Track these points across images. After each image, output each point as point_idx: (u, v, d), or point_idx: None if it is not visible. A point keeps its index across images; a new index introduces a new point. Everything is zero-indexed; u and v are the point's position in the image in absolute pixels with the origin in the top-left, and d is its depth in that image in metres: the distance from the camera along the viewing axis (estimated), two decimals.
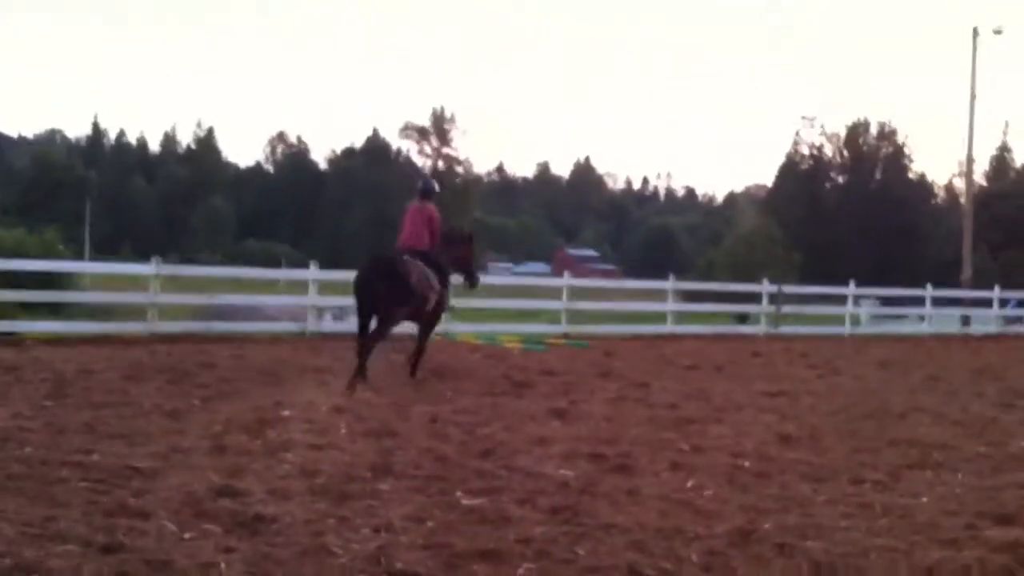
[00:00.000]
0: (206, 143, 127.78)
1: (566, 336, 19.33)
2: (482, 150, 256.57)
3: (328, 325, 22.24)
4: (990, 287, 26.36)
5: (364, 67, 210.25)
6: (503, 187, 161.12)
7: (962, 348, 20.67)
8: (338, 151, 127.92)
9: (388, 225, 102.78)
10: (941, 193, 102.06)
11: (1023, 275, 56.61)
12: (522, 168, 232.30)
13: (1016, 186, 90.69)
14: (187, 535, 5.78)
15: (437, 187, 13.83)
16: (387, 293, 11.78)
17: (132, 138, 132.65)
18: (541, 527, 6.25)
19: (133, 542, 5.56)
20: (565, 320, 20.20)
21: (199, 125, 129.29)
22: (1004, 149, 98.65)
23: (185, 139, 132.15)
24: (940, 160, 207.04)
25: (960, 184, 77.21)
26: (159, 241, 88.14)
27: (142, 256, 35.47)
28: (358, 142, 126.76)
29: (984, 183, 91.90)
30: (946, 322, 26.23)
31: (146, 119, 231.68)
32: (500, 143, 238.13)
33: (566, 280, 21.39)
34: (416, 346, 12.95)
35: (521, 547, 5.83)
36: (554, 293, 22.09)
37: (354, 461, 7.76)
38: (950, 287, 30.95)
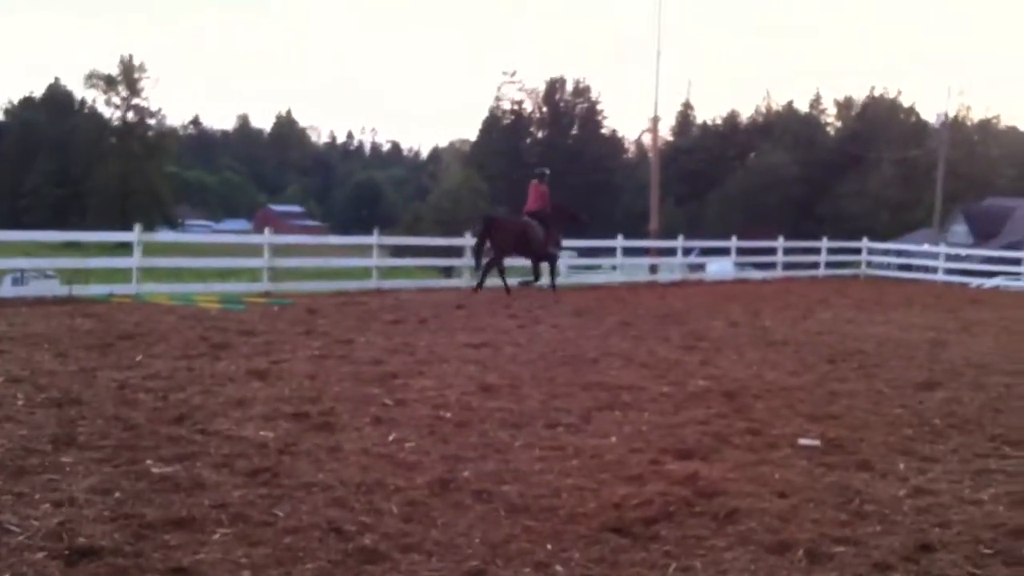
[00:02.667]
0: None
1: (267, 295, 18.85)
2: (176, 101, 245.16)
3: (7, 290, 20.64)
4: (675, 237, 28.11)
5: (43, 9, 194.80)
6: (201, 141, 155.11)
7: (650, 295, 21.94)
8: (15, 101, 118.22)
9: (73, 183, 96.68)
10: (632, 148, 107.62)
11: (706, 225, 60.88)
12: (221, 121, 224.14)
13: (699, 141, 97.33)
14: None
15: (548, 171, 21.77)
16: (505, 237, 19.82)
17: None
18: (239, 491, 6.07)
19: None
20: (267, 278, 19.69)
21: None
22: (688, 106, 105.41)
23: None
24: (631, 117, 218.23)
25: (648, 140, 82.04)
26: None
27: None
28: (38, 91, 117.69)
29: (670, 138, 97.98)
30: (636, 271, 27.77)
31: None
32: (196, 94, 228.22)
33: (267, 237, 20.83)
34: (533, 273, 20.98)
35: (217, 512, 5.63)
36: (255, 251, 21.47)
37: (32, 434, 7.21)
38: (640, 238, 32.79)
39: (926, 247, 34.51)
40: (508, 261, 20.72)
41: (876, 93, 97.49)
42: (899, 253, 35.93)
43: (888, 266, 32.95)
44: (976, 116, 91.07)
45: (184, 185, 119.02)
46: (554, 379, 10.45)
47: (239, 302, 16.92)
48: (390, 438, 7.58)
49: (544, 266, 21.26)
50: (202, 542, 5.21)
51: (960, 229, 71.74)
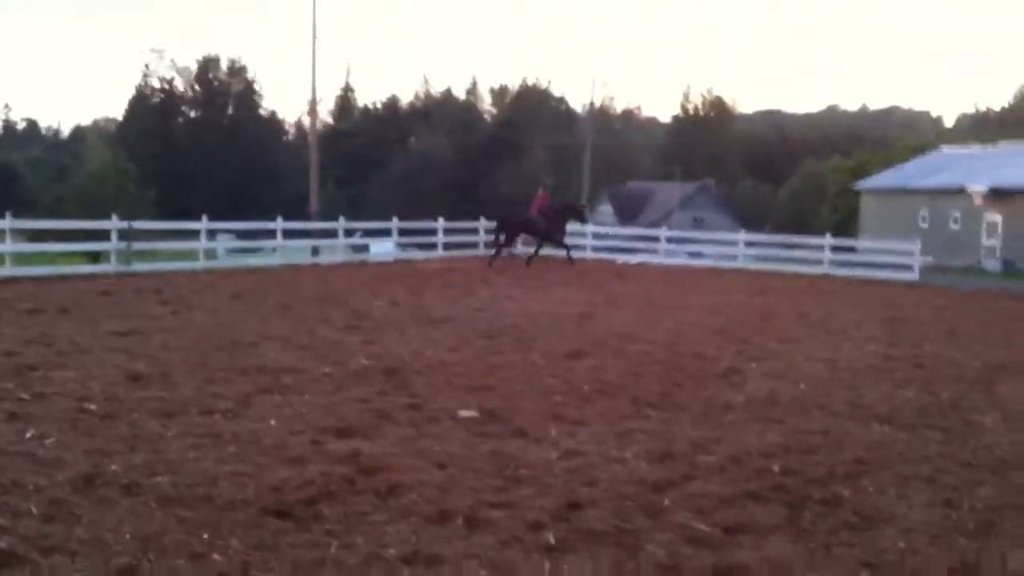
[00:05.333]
0: None
1: None
2: None
3: None
4: (337, 219, 27.93)
5: None
6: None
7: (311, 277, 21.66)
8: None
9: None
10: (292, 130, 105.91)
11: (369, 207, 61.05)
12: None
13: (360, 125, 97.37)
14: None
15: (549, 183, 32.46)
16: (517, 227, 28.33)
17: None
18: None
19: None
20: None
21: None
22: (348, 90, 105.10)
23: None
24: (291, 98, 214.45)
25: (308, 122, 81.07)
26: None
27: None
28: None
29: (331, 121, 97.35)
30: (297, 253, 27.35)
31: None
32: None
33: None
34: (535, 251, 27.84)
35: None
36: None
37: None
38: (301, 219, 32.31)
39: (576, 227, 36.47)
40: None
41: (529, 83, 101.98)
42: None
43: (543, 245, 34.40)
44: (619, 106, 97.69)
45: None
46: (209, 365, 10.07)
47: None
48: (28, 435, 6.99)
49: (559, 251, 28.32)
50: None
51: (606, 210, 76.83)
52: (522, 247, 30.17)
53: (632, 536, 5.42)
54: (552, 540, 5.26)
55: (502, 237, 27.83)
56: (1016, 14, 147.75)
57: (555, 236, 27.99)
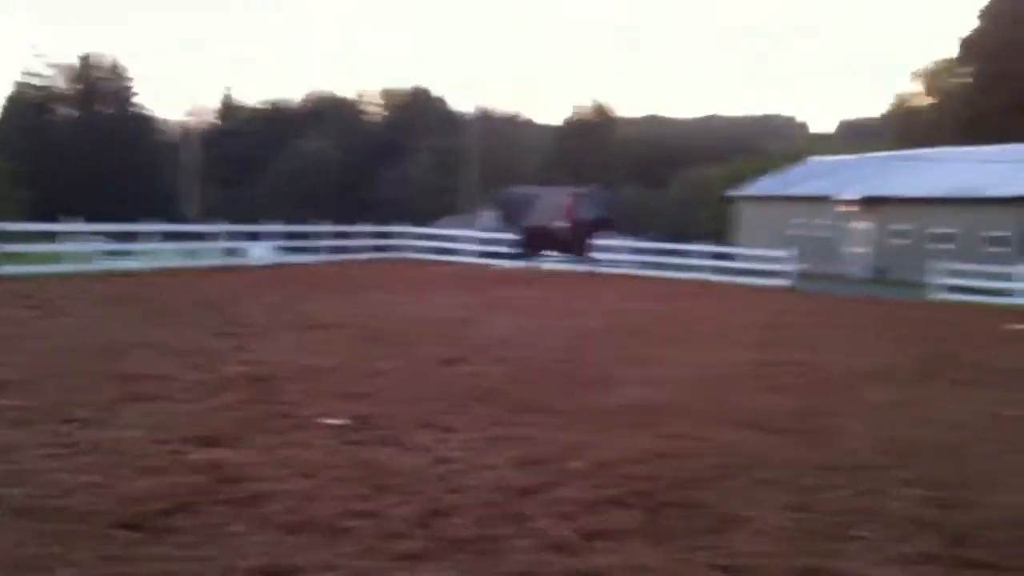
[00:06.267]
0: None
1: None
2: None
3: None
4: (218, 221, 27.45)
5: None
6: None
7: (187, 281, 21.18)
8: None
9: None
10: (173, 130, 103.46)
11: (252, 209, 60.04)
12: None
13: (245, 125, 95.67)
14: None
15: (578, 191, 32.43)
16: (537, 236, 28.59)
17: None
18: None
19: None
20: None
21: None
22: (233, 90, 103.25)
23: None
24: (172, 99, 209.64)
25: (189, 122, 79.54)
26: None
27: None
28: None
29: (216, 121, 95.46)
30: (173, 256, 26.74)
31: None
32: None
33: None
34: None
35: None
36: None
37: None
38: (180, 222, 31.66)
39: (461, 231, 36.56)
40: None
41: (417, 85, 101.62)
42: (437, 237, 37.70)
43: (427, 249, 34.38)
44: (504, 110, 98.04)
45: None
46: (75, 372, 9.78)
47: None
48: None
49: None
50: None
51: (491, 214, 76.99)
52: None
53: (494, 543, 5.43)
54: (412, 549, 5.25)
55: (527, 246, 28.61)
56: (889, 26, 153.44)
57: (576, 247, 27.63)
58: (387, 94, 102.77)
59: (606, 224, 30.29)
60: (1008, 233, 37.15)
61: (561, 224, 29.10)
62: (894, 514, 6.35)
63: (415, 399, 9.25)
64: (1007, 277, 26.45)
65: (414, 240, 33.65)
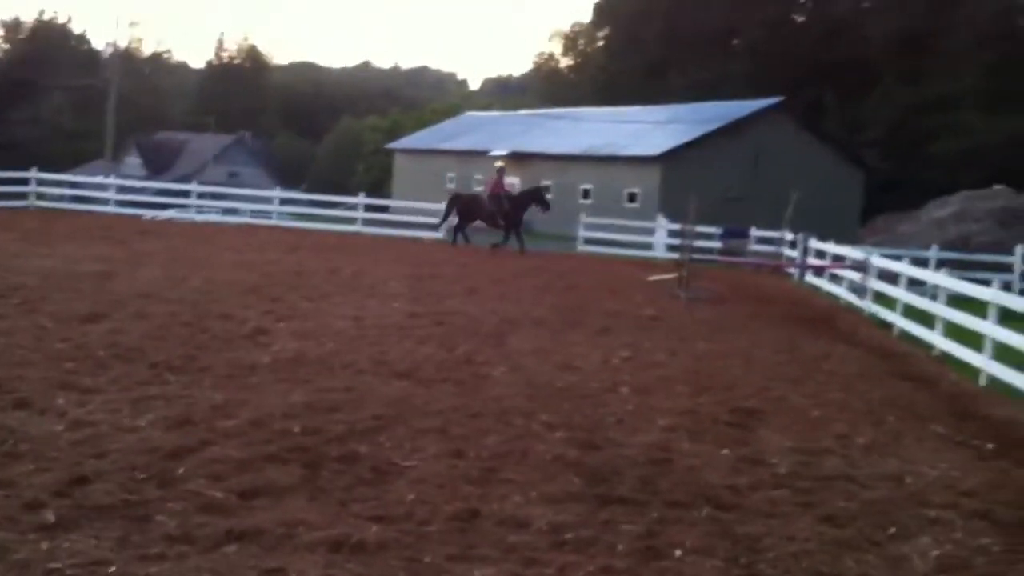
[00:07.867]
0: None
1: None
2: None
3: None
4: None
5: None
6: None
7: None
8: None
9: None
10: None
11: None
12: None
13: None
14: None
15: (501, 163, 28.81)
16: (471, 209, 26.08)
17: None
18: None
19: None
20: None
21: None
22: None
23: None
24: None
25: None
26: None
27: None
28: None
29: None
30: None
31: None
32: None
33: None
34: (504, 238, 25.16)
35: None
36: None
37: None
38: None
39: (100, 179, 34.23)
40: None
41: (46, 17, 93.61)
42: (73, 184, 35.04)
43: (62, 197, 31.91)
44: (148, 49, 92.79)
45: None
46: None
47: None
48: None
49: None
50: None
51: (134, 161, 72.76)
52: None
53: (142, 508, 5.18)
54: (52, 519, 4.89)
55: (454, 217, 26.02)
56: None
57: (500, 219, 25.52)
58: (12, 25, 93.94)
59: (536, 199, 26.56)
60: (637, 190, 40.09)
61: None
62: (540, 457, 6.68)
63: (49, 359, 8.59)
64: (649, 232, 28.37)
65: (47, 188, 31.07)
